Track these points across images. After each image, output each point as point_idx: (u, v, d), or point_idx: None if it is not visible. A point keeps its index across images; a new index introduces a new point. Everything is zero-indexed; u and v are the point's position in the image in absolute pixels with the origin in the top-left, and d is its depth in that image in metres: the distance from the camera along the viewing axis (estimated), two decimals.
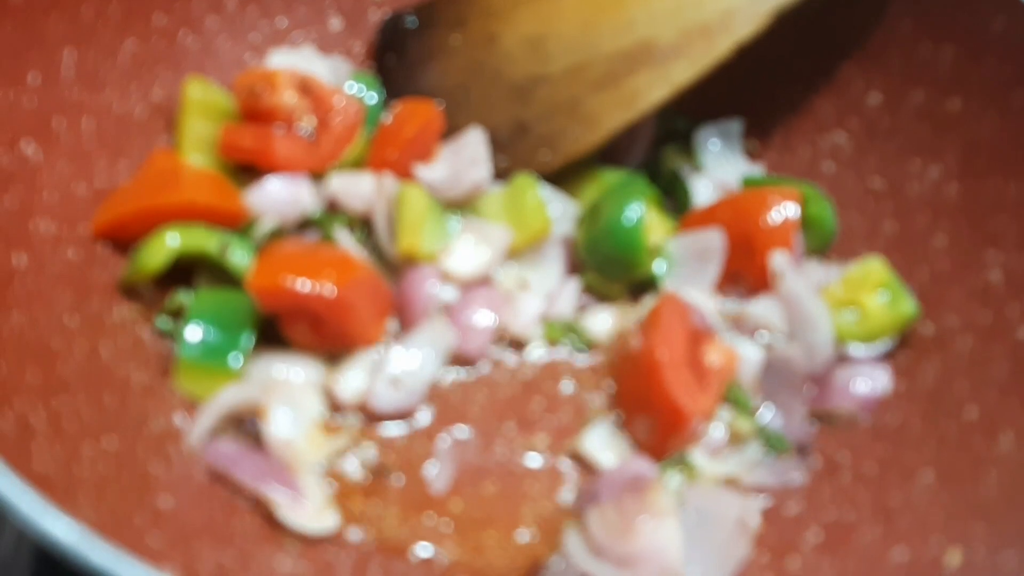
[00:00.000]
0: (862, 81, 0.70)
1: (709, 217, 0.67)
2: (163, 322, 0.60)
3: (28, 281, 0.54)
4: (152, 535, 0.46)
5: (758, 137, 0.74)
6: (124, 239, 0.61)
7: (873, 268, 0.63)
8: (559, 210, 0.66)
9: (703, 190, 0.70)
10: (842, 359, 0.61)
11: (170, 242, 0.59)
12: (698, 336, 0.60)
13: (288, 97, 0.66)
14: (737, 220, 0.65)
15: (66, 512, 0.39)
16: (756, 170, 0.72)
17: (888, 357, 0.62)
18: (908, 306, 0.61)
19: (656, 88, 0.65)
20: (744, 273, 0.64)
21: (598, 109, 0.67)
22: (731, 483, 0.58)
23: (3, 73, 0.57)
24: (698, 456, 0.58)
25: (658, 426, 0.57)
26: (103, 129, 0.63)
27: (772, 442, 0.59)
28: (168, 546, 0.47)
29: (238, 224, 0.63)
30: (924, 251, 0.64)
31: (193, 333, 0.58)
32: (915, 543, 0.51)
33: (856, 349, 0.62)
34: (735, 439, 0.59)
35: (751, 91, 0.73)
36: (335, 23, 0.76)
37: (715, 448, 0.58)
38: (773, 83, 0.73)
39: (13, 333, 0.51)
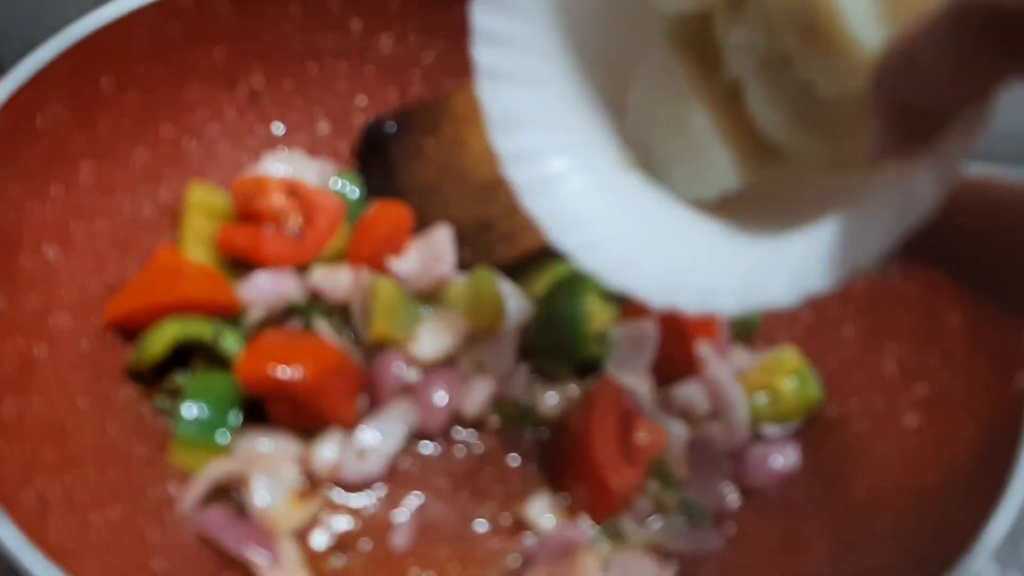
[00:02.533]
0: None
1: (647, 307, 0.75)
2: (162, 401, 0.68)
3: (47, 369, 0.63)
4: None
5: None
6: (131, 328, 0.69)
7: (786, 356, 0.71)
8: (513, 302, 0.75)
9: None
10: (757, 437, 0.70)
11: (169, 331, 0.68)
12: (630, 416, 0.68)
13: (277, 200, 0.75)
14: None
15: None
16: None
17: (796, 436, 0.70)
18: (814, 391, 0.69)
19: None
20: (674, 358, 0.72)
21: None
22: (655, 548, 0.66)
23: (31, 188, 0.66)
24: (627, 524, 0.66)
25: (590, 497, 0.65)
26: (115, 229, 0.72)
27: (693, 512, 0.67)
28: None
29: (231, 313, 0.72)
30: (834, 340, 0.72)
31: (188, 411, 0.67)
32: None
33: (769, 429, 0.70)
34: (660, 509, 0.67)
35: None
36: (323, 127, 0.85)
37: (641, 517, 0.66)
38: None
39: (35, 417, 0.59)
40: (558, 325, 0.72)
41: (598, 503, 0.65)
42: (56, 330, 0.65)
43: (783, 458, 0.68)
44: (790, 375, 0.70)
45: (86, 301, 0.68)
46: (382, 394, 0.70)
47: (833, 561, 0.60)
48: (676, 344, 0.72)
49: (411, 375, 0.71)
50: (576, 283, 0.74)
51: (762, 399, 0.70)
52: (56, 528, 0.53)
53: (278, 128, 0.84)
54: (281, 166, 0.81)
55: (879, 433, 0.66)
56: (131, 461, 0.64)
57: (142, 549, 0.59)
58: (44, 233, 0.67)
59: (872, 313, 0.71)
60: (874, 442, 0.65)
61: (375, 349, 0.72)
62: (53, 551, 0.49)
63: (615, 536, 0.65)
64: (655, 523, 0.66)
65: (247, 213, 0.76)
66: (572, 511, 0.66)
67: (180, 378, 0.69)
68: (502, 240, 0.78)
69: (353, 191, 0.82)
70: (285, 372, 0.66)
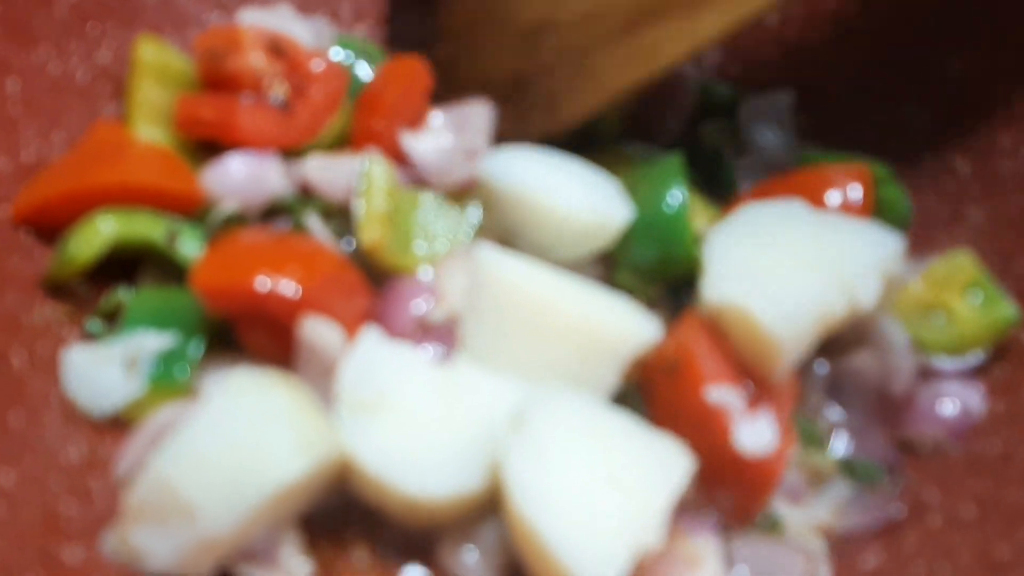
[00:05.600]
0: (942, 43, 0.61)
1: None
2: (94, 325, 0.52)
3: None
4: None
5: (812, 112, 0.65)
6: (53, 225, 0.53)
7: (961, 263, 0.54)
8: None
9: (748, 173, 0.62)
10: (926, 375, 0.52)
11: (104, 228, 0.52)
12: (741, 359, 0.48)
13: (256, 60, 0.58)
14: None
15: None
16: (811, 147, 0.63)
17: (982, 372, 0.53)
18: (1005, 309, 0.53)
19: (678, 42, 0.56)
20: None
21: (608, 64, 0.58)
22: (825, 532, 0.47)
23: None
24: (781, 507, 0.47)
25: (743, 494, 0.46)
26: (33, 93, 0.56)
27: (859, 473, 0.49)
28: None
29: (192, 209, 0.55)
30: (1021, 242, 0.55)
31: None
32: None
33: (942, 362, 0.53)
34: (814, 478, 0.48)
35: (804, 56, 0.66)
36: None
37: (795, 493, 0.47)
38: (830, 46, 0.65)
39: None
40: (650, 227, 0.54)
41: (755, 497, 0.46)
42: None
43: (963, 402, 0.51)
44: (968, 289, 0.53)
45: None
46: (393, 334, 0.51)
47: None
48: None
49: (436, 315, 0.52)
50: (667, 173, 0.55)
51: (932, 322, 0.53)
52: None
53: None
54: (261, 24, 0.62)
55: None
56: (45, 406, 0.48)
57: (49, 531, 0.42)
58: None
59: None
60: None
61: (383, 271, 0.53)
62: None
63: (769, 525, 0.47)
64: (813, 499, 0.48)
65: (215, 78, 0.59)
66: (721, 515, 0.47)
67: (122, 294, 0.53)
68: (540, 106, 0.60)
69: (359, 64, 0.63)
70: (264, 283, 0.48)
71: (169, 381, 0.49)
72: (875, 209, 0.56)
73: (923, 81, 0.61)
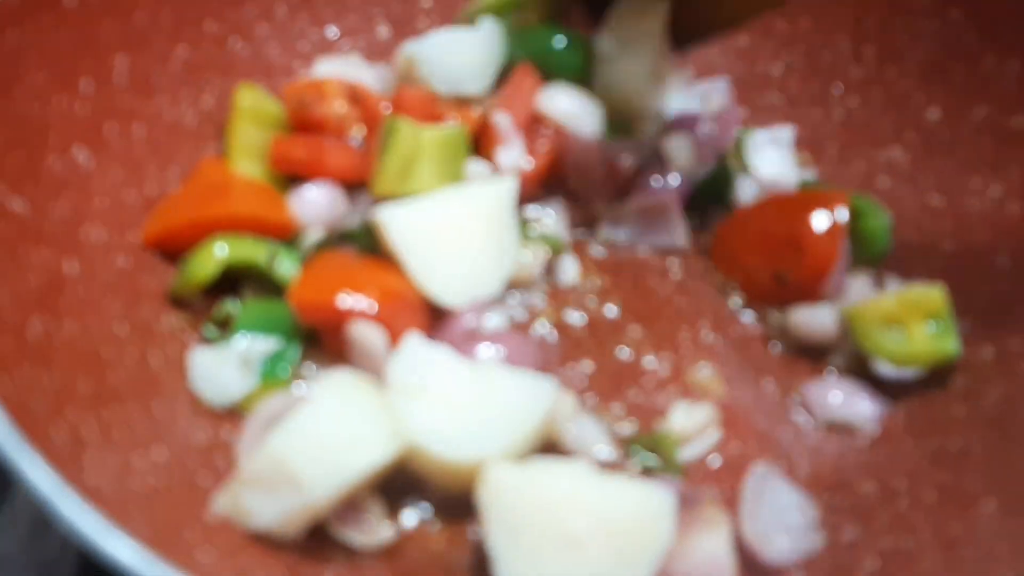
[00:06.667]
0: (922, 94, 0.68)
1: (756, 213, 0.67)
2: (210, 331, 0.59)
3: (79, 289, 0.54)
4: (202, 550, 0.46)
5: (809, 148, 0.72)
6: (173, 247, 0.60)
7: (931, 296, 0.60)
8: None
9: (748, 189, 0.70)
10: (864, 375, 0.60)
11: (219, 253, 0.59)
12: None
13: (338, 107, 0.66)
14: (783, 219, 0.64)
15: (122, 530, 0.39)
16: (809, 175, 0.71)
17: (946, 381, 0.60)
18: (951, 345, 0.59)
19: None
20: (788, 273, 0.63)
21: None
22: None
23: (57, 79, 0.57)
24: None
25: None
26: (154, 136, 0.63)
27: None
28: (217, 560, 0.46)
29: (286, 235, 0.63)
30: (985, 272, 0.62)
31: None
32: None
33: (885, 367, 0.60)
34: None
35: (805, 100, 0.73)
36: (383, 31, 0.76)
37: None
38: (828, 93, 0.72)
39: (65, 342, 0.50)
40: None
41: None
42: (88, 245, 0.56)
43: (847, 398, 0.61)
44: (928, 319, 0.60)
45: (122, 214, 0.59)
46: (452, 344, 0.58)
47: (1014, 522, 0.50)
48: (790, 257, 0.63)
49: (489, 323, 0.61)
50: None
51: (892, 335, 0.60)
52: (93, 469, 0.45)
53: (332, 31, 0.74)
54: (336, 72, 0.71)
55: None
56: (177, 398, 0.56)
57: (194, 498, 0.50)
58: (74, 133, 0.58)
59: None
60: None
61: None
62: (92, 494, 0.40)
63: None
64: None
65: (303, 122, 0.66)
66: None
67: (230, 305, 0.60)
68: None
69: None
70: (345, 301, 0.56)
71: (275, 378, 0.56)
72: (858, 237, 0.63)
73: (905, 127, 0.69)
